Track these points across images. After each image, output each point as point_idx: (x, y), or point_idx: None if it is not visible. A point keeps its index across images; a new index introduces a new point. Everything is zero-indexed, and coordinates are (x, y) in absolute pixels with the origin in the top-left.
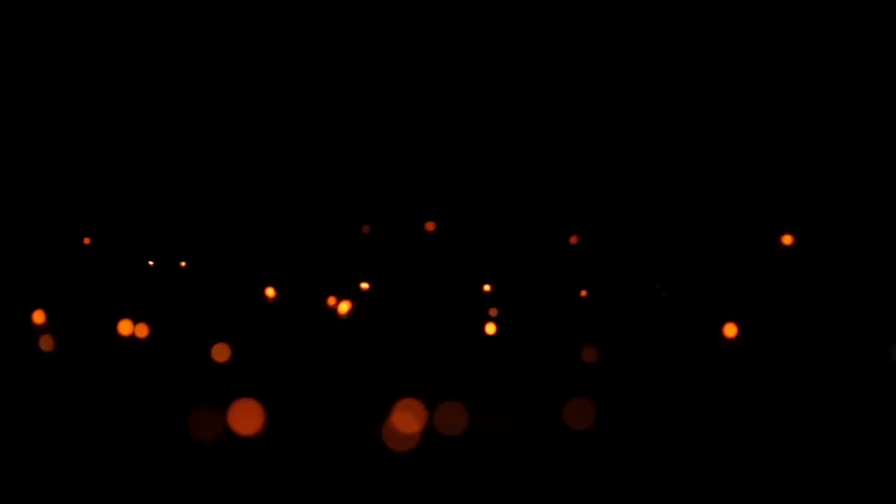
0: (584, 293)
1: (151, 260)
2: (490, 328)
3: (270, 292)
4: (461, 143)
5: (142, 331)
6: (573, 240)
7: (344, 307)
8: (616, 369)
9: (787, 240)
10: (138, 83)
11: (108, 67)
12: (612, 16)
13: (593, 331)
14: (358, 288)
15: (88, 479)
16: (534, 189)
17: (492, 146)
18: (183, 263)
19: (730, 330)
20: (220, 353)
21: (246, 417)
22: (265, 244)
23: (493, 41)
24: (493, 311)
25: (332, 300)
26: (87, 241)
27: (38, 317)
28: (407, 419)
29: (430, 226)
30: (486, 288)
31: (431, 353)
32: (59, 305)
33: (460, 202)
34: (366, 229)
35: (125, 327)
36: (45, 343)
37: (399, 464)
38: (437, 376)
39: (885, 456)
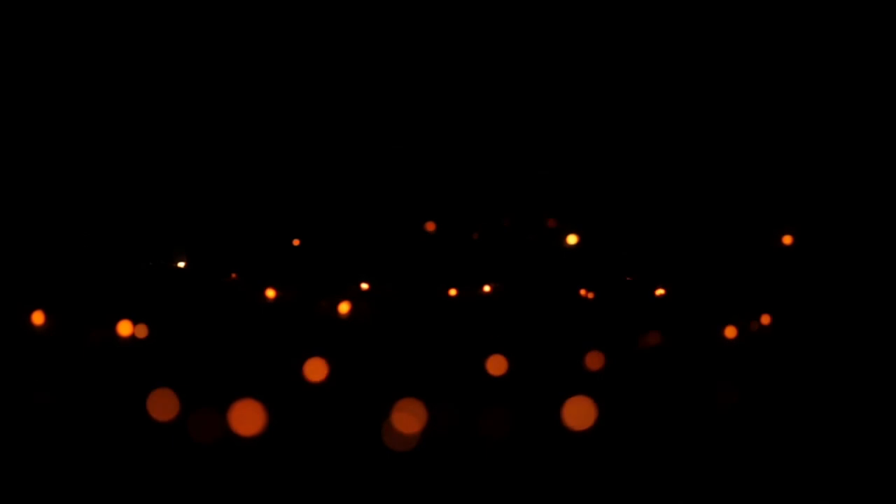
0: (583, 292)
1: (151, 260)
2: (489, 327)
3: (271, 292)
4: (461, 143)
5: (142, 331)
6: (573, 240)
7: (344, 307)
8: (616, 369)
9: (787, 240)
10: (138, 83)
11: (108, 67)
12: (613, 16)
13: (593, 330)
14: (358, 288)
15: (88, 479)
16: (534, 189)
17: (492, 147)
18: (183, 263)
19: (730, 331)
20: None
21: (246, 418)
22: (265, 244)
23: (493, 41)
24: (492, 311)
25: (332, 300)
26: (87, 241)
27: (38, 317)
28: (407, 420)
29: (430, 226)
30: (486, 288)
31: (431, 353)
32: (59, 305)
33: (460, 202)
34: (367, 230)
35: (125, 327)
36: (45, 343)
37: (399, 464)
38: (437, 376)
39: (886, 456)
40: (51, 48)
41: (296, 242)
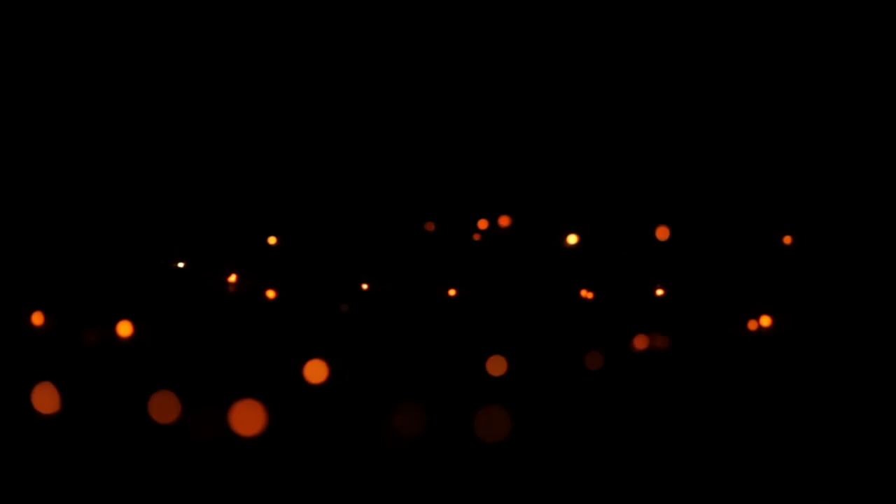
0: (583, 293)
1: (151, 260)
2: (490, 327)
3: (271, 293)
4: (461, 143)
5: (142, 331)
6: (573, 240)
7: (343, 307)
8: (616, 369)
9: (788, 240)
10: (138, 83)
11: (108, 67)
12: (613, 16)
13: (593, 331)
14: (358, 288)
15: (89, 479)
16: (533, 189)
17: (492, 146)
18: (182, 263)
19: (731, 331)
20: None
21: (246, 418)
22: (265, 244)
23: (493, 41)
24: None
25: (332, 300)
26: (87, 241)
27: (37, 318)
28: (407, 420)
29: (430, 226)
30: (486, 289)
31: (431, 353)
32: (58, 306)
33: (460, 202)
34: (367, 230)
35: (125, 328)
36: (46, 344)
37: (399, 464)
38: (437, 376)
39: (886, 456)
40: (51, 48)
41: (296, 243)
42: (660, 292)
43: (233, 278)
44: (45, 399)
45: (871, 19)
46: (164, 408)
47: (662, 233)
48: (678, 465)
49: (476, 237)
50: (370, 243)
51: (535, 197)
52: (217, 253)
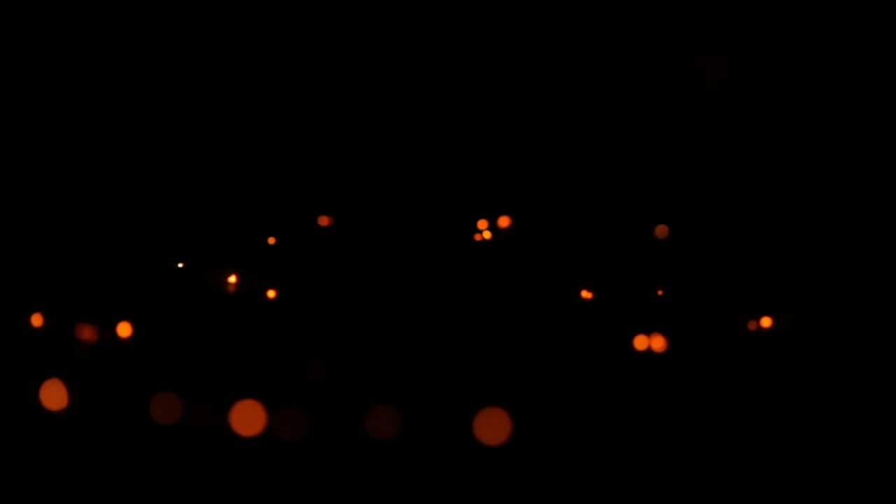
0: (584, 293)
1: (151, 260)
2: (489, 327)
3: (271, 293)
4: (461, 143)
5: (141, 332)
6: (572, 240)
7: (341, 306)
8: (616, 369)
9: (787, 240)
10: (138, 83)
11: (108, 67)
12: (612, 16)
13: (593, 331)
14: (358, 288)
15: (89, 479)
16: (533, 189)
17: (493, 146)
18: (182, 264)
19: (732, 331)
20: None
21: (247, 418)
22: (264, 244)
23: (493, 41)
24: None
25: (326, 299)
26: (86, 241)
27: (37, 320)
28: (406, 421)
29: (428, 226)
30: (486, 290)
31: (431, 353)
32: (57, 307)
33: (460, 202)
34: (366, 230)
35: (124, 329)
36: (46, 345)
37: (399, 464)
38: (436, 377)
39: (886, 456)
40: (51, 48)
41: (296, 243)
42: (660, 292)
43: (233, 278)
44: (53, 396)
45: (872, 19)
46: (165, 408)
47: (662, 232)
48: (678, 465)
49: (476, 237)
50: (370, 243)
51: (535, 197)
52: (217, 253)
